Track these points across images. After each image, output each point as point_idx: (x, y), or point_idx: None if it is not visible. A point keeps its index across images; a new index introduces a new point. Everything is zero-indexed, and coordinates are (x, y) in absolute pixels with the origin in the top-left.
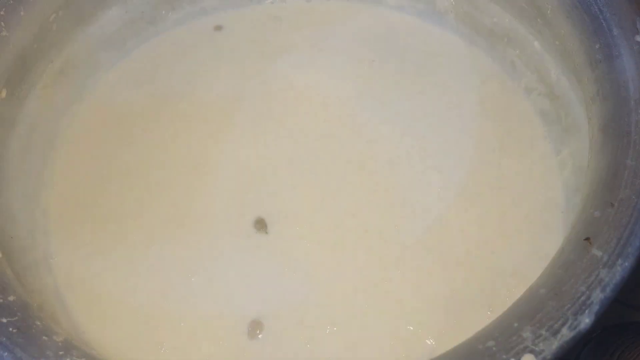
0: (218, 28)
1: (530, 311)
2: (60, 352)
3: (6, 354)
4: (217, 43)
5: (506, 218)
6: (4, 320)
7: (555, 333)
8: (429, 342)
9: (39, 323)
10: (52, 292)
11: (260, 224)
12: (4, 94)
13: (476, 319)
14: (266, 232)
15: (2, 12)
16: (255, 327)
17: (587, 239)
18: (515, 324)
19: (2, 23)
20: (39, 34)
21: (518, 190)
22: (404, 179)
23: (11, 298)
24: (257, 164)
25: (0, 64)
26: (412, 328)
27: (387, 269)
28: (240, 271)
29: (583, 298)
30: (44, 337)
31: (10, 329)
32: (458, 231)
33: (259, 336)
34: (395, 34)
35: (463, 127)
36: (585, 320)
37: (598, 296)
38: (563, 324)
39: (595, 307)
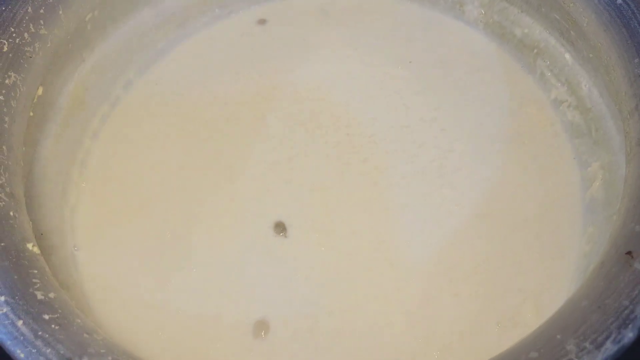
0: (262, 22)
1: (574, 323)
2: (102, 350)
3: (49, 350)
4: (257, 38)
5: (516, 235)
6: (46, 317)
7: (600, 346)
8: (435, 355)
9: (79, 321)
10: (78, 288)
11: (280, 228)
12: (40, 91)
13: (484, 334)
14: (285, 236)
15: (42, 11)
16: (260, 327)
17: (629, 252)
18: (559, 336)
19: (42, 21)
20: (75, 33)
21: (531, 209)
22: (417, 194)
23: (52, 295)
24: (283, 167)
25: (39, 62)
26: (420, 341)
27: (399, 281)
28: (254, 271)
29: (627, 312)
30: (85, 335)
31: (53, 326)
32: (468, 247)
33: (263, 337)
34: (441, 38)
35: (487, 144)
36: (629, 335)
37: None
38: (607, 338)
39: (639, 322)
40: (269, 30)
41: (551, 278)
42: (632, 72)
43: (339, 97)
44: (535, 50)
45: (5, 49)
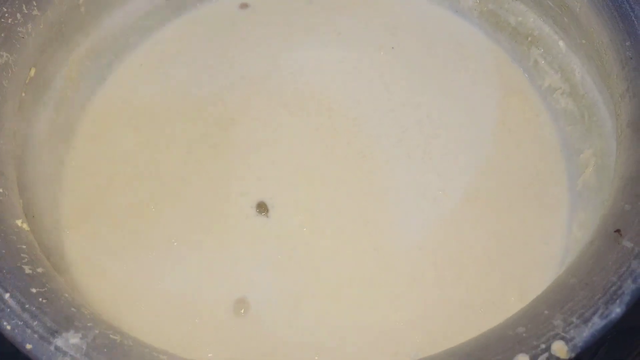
0: (244, 6)
1: (561, 300)
2: (89, 324)
3: (36, 322)
4: (239, 23)
5: (500, 221)
6: (34, 290)
7: (587, 321)
8: (418, 339)
9: (67, 295)
10: (68, 268)
11: (262, 207)
12: (33, 72)
13: (467, 317)
14: (267, 216)
15: None
16: (240, 305)
17: (617, 230)
18: (546, 312)
19: (34, 2)
20: (68, 16)
21: (517, 196)
22: (402, 179)
23: (40, 270)
24: (266, 149)
25: (31, 42)
26: (403, 323)
27: (383, 262)
28: (235, 250)
29: (614, 288)
30: (72, 309)
31: (40, 299)
32: (453, 232)
33: (243, 314)
34: (428, 26)
35: (473, 132)
36: (617, 310)
37: (629, 287)
38: (594, 313)
39: (627, 298)
40: (252, 15)
41: (535, 263)
42: (624, 55)
43: (321, 80)
44: (529, 39)
45: None
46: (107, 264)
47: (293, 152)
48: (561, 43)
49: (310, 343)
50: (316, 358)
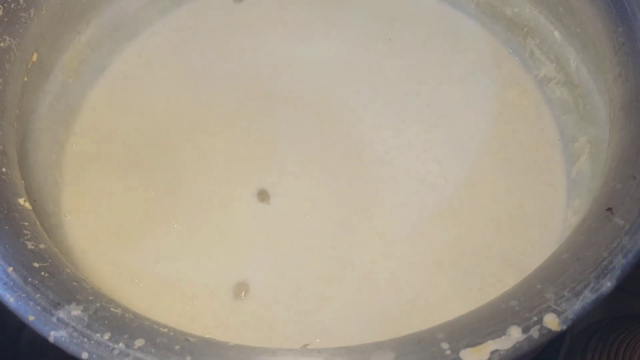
0: (238, 0)
1: (553, 274)
2: (90, 297)
3: (38, 295)
4: (234, 17)
5: (498, 206)
6: (36, 265)
7: (578, 294)
8: (418, 320)
9: (68, 270)
10: (66, 251)
11: (263, 195)
12: (35, 57)
13: (465, 300)
14: (268, 203)
15: None
16: (240, 288)
17: (609, 209)
18: (538, 286)
19: None
20: (70, 3)
21: (514, 183)
22: (402, 168)
23: (42, 246)
24: (266, 138)
25: (34, 28)
26: (403, 306)
27: (383, 247)
28: (235, 235)
29: (605, 263)
30: (74, 283)
31: (42, 273)
32: (452, 217)
33: (243, 298)
34: (425, 18)
35: (472, 122)
36: (607, 284)
37: (620, 262)
38: (585, 286)
39: (617, 272)
40: (248, 9)
41: (534, 246)
42: (617, 41)
43: (319, 72)
44: (525, 29)
45: (1, 13)
46: (107, 247)
47: (293, 142)
48: (556, 33)
49: (311, 326)
50: (317, 340)
